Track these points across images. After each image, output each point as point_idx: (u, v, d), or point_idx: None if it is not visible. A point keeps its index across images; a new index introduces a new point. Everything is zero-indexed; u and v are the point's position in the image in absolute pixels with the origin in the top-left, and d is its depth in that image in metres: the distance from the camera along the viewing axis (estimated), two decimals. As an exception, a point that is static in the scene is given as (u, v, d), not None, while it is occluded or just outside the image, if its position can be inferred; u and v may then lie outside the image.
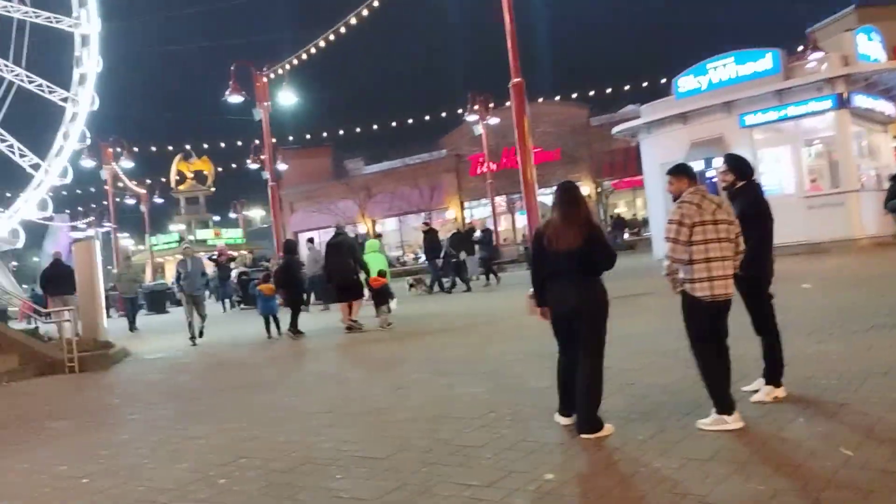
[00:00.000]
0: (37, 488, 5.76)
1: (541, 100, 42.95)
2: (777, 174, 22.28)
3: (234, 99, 24.18)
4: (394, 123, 45.33)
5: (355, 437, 6.36)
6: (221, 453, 6.26)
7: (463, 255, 22.94)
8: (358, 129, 45.32)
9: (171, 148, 51.93)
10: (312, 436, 6.54)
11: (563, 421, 5.98)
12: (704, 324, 5.58)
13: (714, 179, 18.13)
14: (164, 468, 6.01)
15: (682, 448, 5.06)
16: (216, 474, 5.66)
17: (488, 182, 39.07)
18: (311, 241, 24.73)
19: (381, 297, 14.91)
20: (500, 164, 40.77)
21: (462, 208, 50.24)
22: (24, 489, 5.78)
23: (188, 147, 60.50)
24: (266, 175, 27.62)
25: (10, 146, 53.33)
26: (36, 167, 54.13)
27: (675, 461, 4.80)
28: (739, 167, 6.34)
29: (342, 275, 14.71)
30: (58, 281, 17.35)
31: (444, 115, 43.57)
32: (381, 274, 15.11)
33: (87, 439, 7.35)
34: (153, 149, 44.71)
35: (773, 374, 6.12)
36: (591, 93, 42.17)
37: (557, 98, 45.67)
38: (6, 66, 51.68)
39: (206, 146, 53.10)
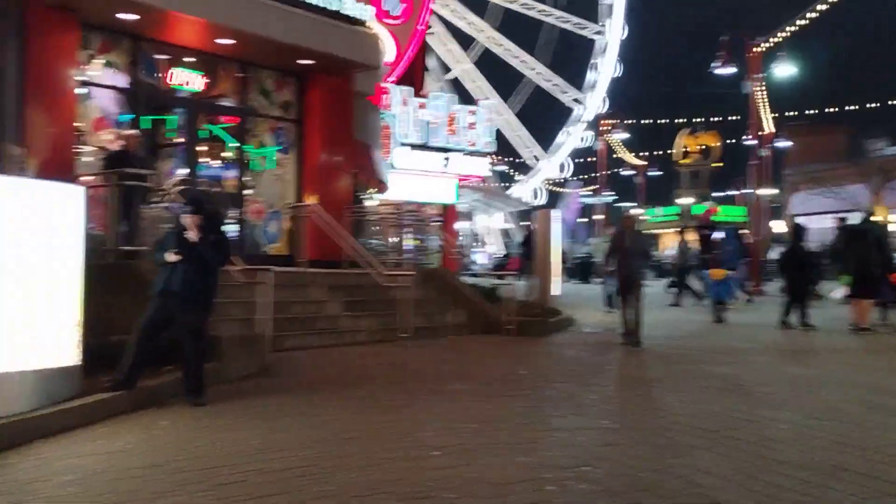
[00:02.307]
0: (391, 451, 5.85)
1: None
2: None
3: (724, 71, 22.87)
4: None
5: (718, 469, 5.35)
6: (572, 454, 5.77)
7: None
8: (875, 105, 40.04)
9: (663, 121, 51.89)
10: (673, 456, 5.68)
11: None
12: None
13: None
14: (506, 458, 5.71)
15: None
16: (550, 478, 5.19)
17: None
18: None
19: None
20: None
21: None
22: (382, 449, 5.91)
23: (678, 120, 59.71)
24: (764, 153, 26.09)
25: (556, 85, 58.40)
26: (577, 102, 58.51)
27: None
28: None
29: (863, 267, 13.63)
30: (533, 245, 18.45)
31: None
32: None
33: (470, 407, 7.40)
34: (645, 121, 45.07)
35: None
36: None
37: None
38: (545, 11, 56.80)
39: (696, 120, 51.91)
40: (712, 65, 23.04)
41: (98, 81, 12.54)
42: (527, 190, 61.03)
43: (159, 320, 7.51)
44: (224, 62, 14.15)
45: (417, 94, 33.98)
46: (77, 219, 7.08)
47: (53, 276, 6.79)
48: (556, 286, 15.87)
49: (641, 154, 52.26)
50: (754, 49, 22.78)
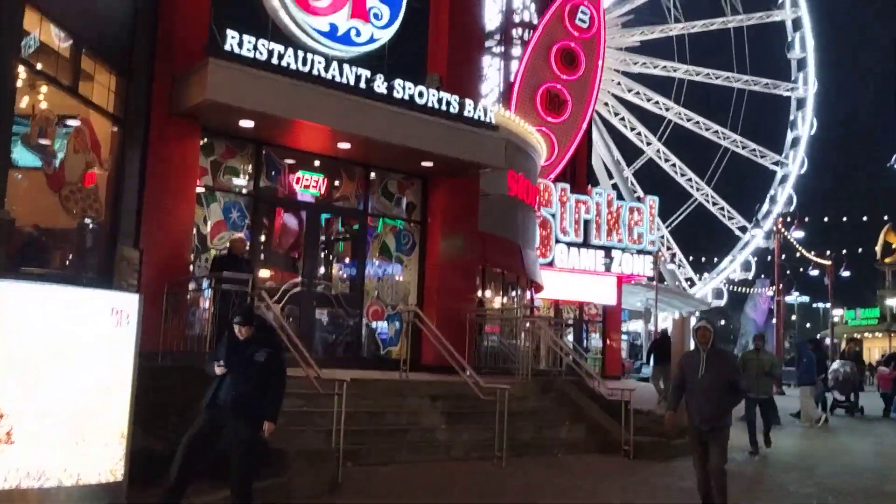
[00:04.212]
0: None
1: None
2: None
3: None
4: None
5: None
6: None
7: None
8: None
9: (845, 219, 48.19)
10: None
11: None
12: None
13: None
14: None
15: None
16: None
17: None
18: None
19: None
20: None
21: None
22: None
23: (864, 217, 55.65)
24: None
25: (752, 150, 56.42)
26: (743, 229, 56.02)
27: None
28: None
29: None
30: (662, 351, 18.75)
31: None
32: None
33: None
34: (825, 219, 41.88)
35: None
36: None
37: None
38: (732, 77, 55.32)
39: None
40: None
41: (220, 186, 12.95)
42: (736, 264, 58.31)
43: (206, 434, 7.22)
44: (346, 165, 14.31)
45: (580, 190, 33.49)
46: (130, 328, 7.00)
47: (98, 389, 6.70)
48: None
49: (833, 251, 48.51)
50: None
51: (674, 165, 58.55)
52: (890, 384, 22.00)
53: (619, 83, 55.64)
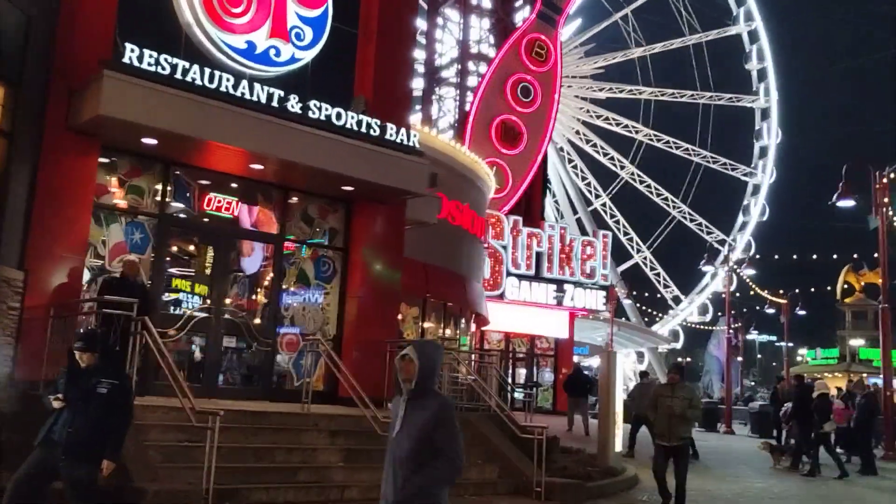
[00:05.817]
0: None
1: None
2: None
3: (846, 203, 20.52)
4: None
5: None
6: None
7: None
8: None
9: (795, 256, 48.28)
10: None
11: None
12: None
13: None
14: None
15: None
16: None
17: None
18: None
19: None
20: None
21: None
22: None
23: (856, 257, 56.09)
24: None
25: (724, 164, 56.80)
26: (722, 243, 56.17)
27: None
28: None
29: None
30: (574, 385, 21.72)
31: None
32: None
33: None
34: (776, 257, 41.90)
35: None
36: None
37: None
38: (697, 94, 55.90)
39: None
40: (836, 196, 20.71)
41: (123, 206, 12.32)
42: (717, 280, 58.17)
43: (38, 474, 6.57)
44: (263, 187, 13.73)
45: (534, 223, 33.18)
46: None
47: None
48: (618, 439, 13.83)
49: (798, 288, 48.55)
50: (883, 180, 20.29)
51: (649, 186, 58.80)
52: (843, 418, 21.87)
53: (587, 111, 55.84)
